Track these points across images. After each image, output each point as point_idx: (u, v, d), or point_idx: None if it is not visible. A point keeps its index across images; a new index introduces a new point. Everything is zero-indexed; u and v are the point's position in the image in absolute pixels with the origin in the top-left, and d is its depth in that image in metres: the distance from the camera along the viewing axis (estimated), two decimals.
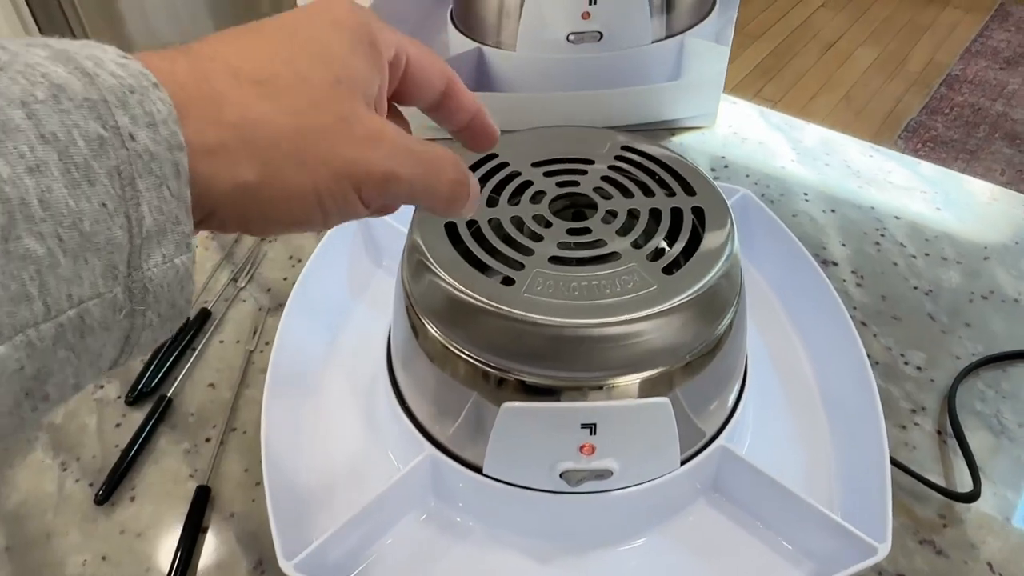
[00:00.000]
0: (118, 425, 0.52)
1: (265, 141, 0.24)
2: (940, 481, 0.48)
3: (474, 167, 0.45)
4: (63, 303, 0.19)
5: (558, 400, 0.39)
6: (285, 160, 0.24)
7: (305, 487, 0.46)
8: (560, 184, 0.44)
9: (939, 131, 2.37)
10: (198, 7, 1.85)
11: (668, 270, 0.39)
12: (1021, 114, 2.43)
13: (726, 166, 0.72)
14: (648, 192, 0.44)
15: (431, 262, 0.40)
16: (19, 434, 0.20)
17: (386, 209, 0.31)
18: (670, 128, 0.75)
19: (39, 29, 1.78)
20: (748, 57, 2.74)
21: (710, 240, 0.41)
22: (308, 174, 0.25)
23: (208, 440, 0.51)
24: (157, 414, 0.51)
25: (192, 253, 0.23)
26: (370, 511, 0.42)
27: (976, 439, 0.50)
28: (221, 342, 0.57)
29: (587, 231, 0.41)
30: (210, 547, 0.46)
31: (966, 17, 2.93)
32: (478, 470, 0.42)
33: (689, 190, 0.44)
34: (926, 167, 0.73)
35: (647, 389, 0.39)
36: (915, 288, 0.61)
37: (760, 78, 2.65)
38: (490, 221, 0.42)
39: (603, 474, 0.40)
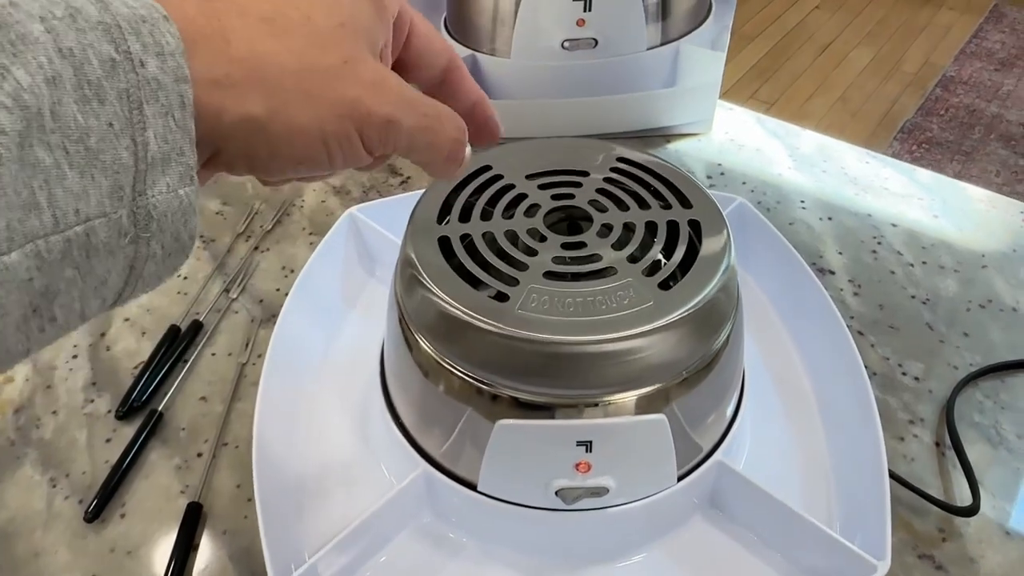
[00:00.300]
0: (108, 440, 0.51)
1: (272, 76, 0.25)
2: (939, 494, 0.48)
3: (468, 179, 0.45)
4: (71, 217, 0.20)
5: (553, 417, 0.38)
6: (291, 95, 0.25)
7: (298, 503, 0.46)
8: (555, 197, 0.44)
9: (934, 132, 2.37)
10: None
11: (664, 285, 0.39)
12: (1016, 115, 2.43)
13: (722, 173, 0.72)
14: (644, 204, 0.43)
15: (424, 276, 0.39)
16: (24, 356, 0.21)
17: (383, 159, 0.31)
18: (666, 135, 0.75)
19: None
20: (744, 59, 2.74)
21: (707, 253, 0.40)
22: (313, 111, 0.25)
23: (200, 455, 0.50)
24: (148, 429, 0.51)
25: (196, 187, 0.23)
26: (364, 528, 0.42)
27: (974, 451, 0.50)
28: (213, 354, 0.56)
29: (582, 245, 0.41)
30: (202, 565, 0.45)
31: (961, 18, 2.93)
32: (473, 487, 0.42)
33: (685, 202, 0.43)
34: (923, 174, 0.72)
35: (643, 406, 0.39)
36: (912, 297, 0.60)
37: (756, 79, 2.65)
38: (484, 235, 0.41)
39: (599, 491, 0.40)
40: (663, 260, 0.40)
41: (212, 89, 0.23)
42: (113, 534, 0.46)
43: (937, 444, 0.51)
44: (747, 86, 2.61)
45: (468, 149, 0.32)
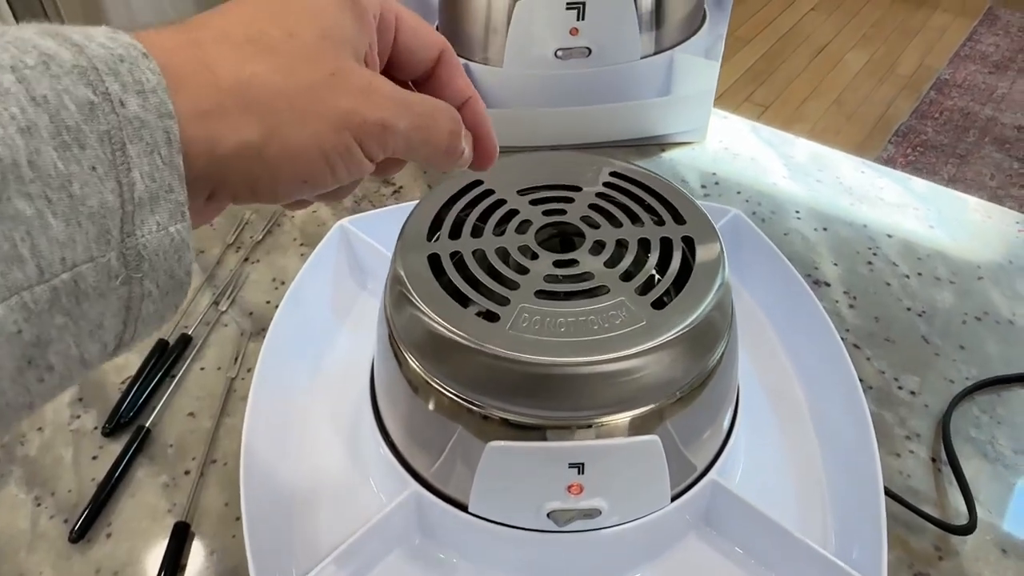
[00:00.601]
0: (95, 457, 0.50)
1: (263, 99, 0.24)
2: (935, 511, 0.47)
3: (458, 194, 0.44)
4: (56, 266, 0.20)
5: (545, 439, 0.37)
6: (284, 116, 0.25)
7: (286, 522, 0.45)
8: (547, 212, 0.43)
9: (929, 135, 2.37)
10: (185, 4, 1.83)
11: (658, 303, 0.38)
12: (1010, 118, 2.44)
13: (717, 183, 0.71)
14: (637, 221, 0.43)
15: (413, 295, 0.39)
16: (28, 410, 0.21)
17: (389, 166, 0.31)
18: (660, 144, 0.75)
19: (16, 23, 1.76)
20: (739, 61, 2.73)
21: (700, 271, 0.40)
22: (309, 128, 0.25)
23: (187, 472, 0.49)
24: (135, 446, 0.50)
25: (187, 223, 0.23)
26: (353, 550, 0.41)
27: (970, 466, 0.49)
28: (202, 369, 0.56)
29: (574, 263, 0.40)
30: None
31: (955, 21, 2.94)
32: (464, 508, 0.41)
33: (679, 218, 0.43)
34: (918, 183, 0.72)
35: (636, 426, 0.38)
36: (908, 309, 0.60)
37: (751, 82, 2.65)
38: (475, 252, 0.41)
39: (591, 513, 0.39)
40: (657, 278, 0.40)
41: (203, 121, 0.23)
42: (99, 554, 0.46)
43: (933, 460, 0.50)
44: (742, 89, 2.61)
45: (468, 137, 0.31)
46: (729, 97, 2.58)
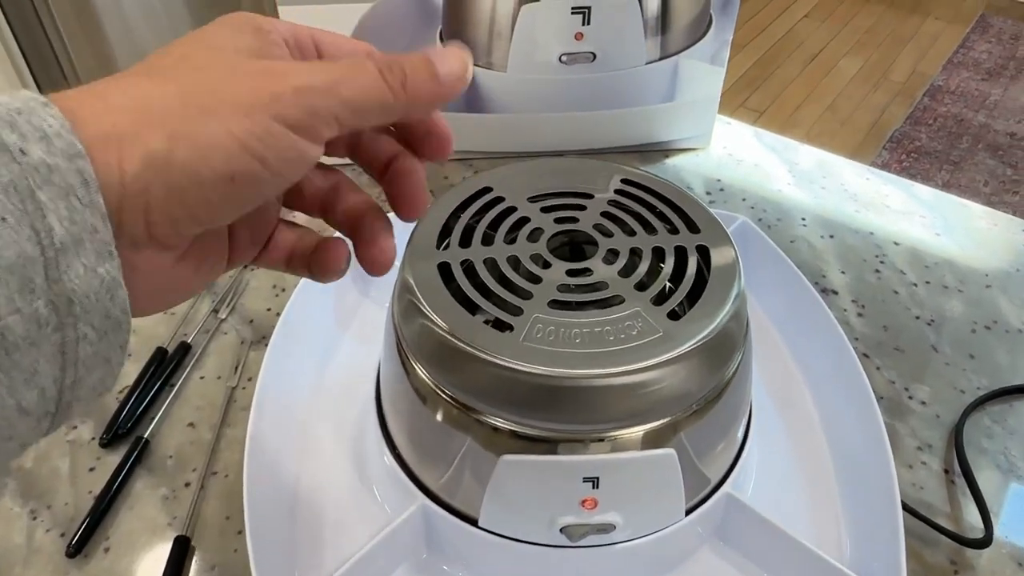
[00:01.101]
0: (92, 469, 0.49)
1: (157, 107, 0.23)
2: (949, 524, 0.47)
3: (468, 201, 0.43)
4: None
5: (558, 452, 0.37)
6: (184, 116, 0.23)
7: (290, 537, 0.44)
8: (558, 220, 0.42)
9: (923, 142, 2.38)
10: (176, 5, 1.82)
11: (674, 314, 0.37)
12: (1003, 125, 2.45)
13: (721, 189, 0.71)
14: (650, 229, 0.42)
15: (423, 304, 0.38)
16: None
17: (349, 146, 0.30)
18: (664, 150, 0.74)
19: (12, 32, 1.74)
20: (733, 68, 2.74)
21: (716, 280, 0.39)
22: (215, 121, 0.23)
23: (187, 485, 0.48)
24: (133, 457, 0.49)
25: (116, 261, 0.22)
26: (360, 565, 0.40)
27: (984, 478, 0.49)
28: (202, 378, 0.55)
29: (588, 272, 0.39)
30: None
31: (948, 28, 2.95)
32: (473, 522, 0.40)
33: (693, 227, 0.42)
34: (923, 190, 0.72)
35: (652, 440, 0.37)
36: (917, 318, 0.59)
37: (745, 88, 2.65)
38: (486, 260, 0.40)
39: (606, 528, 0.38)
40: (672, 288, 0.39)
41: (102, 144, 0.22)
42: (96, 570, 0.44)
43: (946, 471, 0.50)
44: (737, 95, 2.61)
45: (450, 63, 0.28)
46: (724, 103, 2.57)
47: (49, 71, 1.78)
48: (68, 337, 0.21)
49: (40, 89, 1.80)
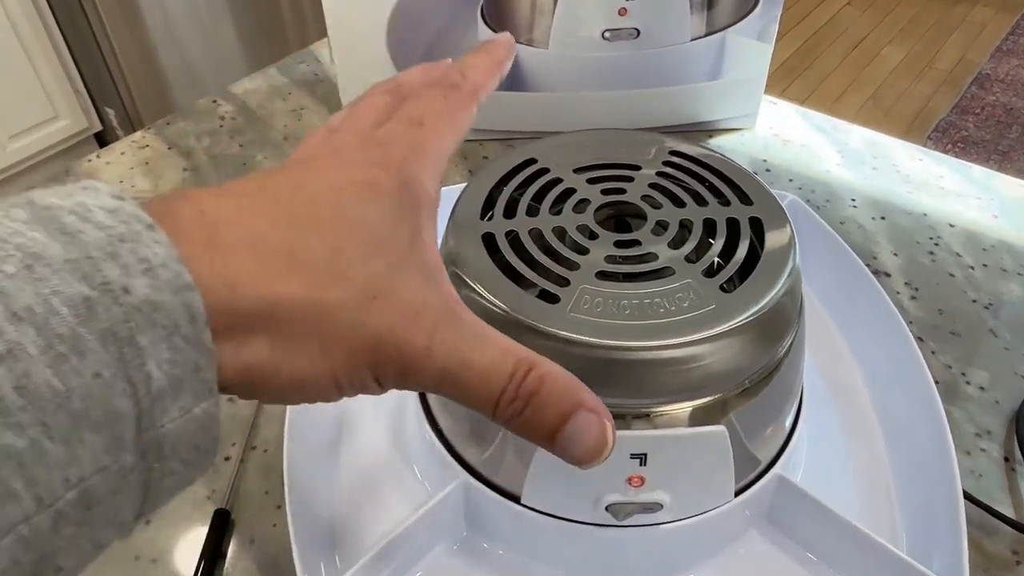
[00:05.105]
0: None
1: (282, 323, 0.21)
2: (1010, 512, 0.45)
3: (511, 172, 0.42)
4: (58, 489, 0.17)
5: None
6: (302, 344, 0.22)
7: (330, 512, 0.44)
8: (605, 192, 0.41)
9: (970, 131, 2.32)
10: (218, 2, 1.83)
11: (726, 287, 0.36)
12: None
13: (768, 170, 0.69)
14: (701, 201, 0.41)
15: (467, 275, 0.37)
16: None
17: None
18: (708, 130, 0.72)
19: (58, 26, 1.77)
20: (773, 56, 2.69)
21: (770, 254, 0.38)
22: (327, 359, 0.22)
23: (227, 459, 0.48)
24: None
25: (216, 398, 0.20)
26: (399, 542, 0.39)
27: None
28: None
29: (636, 243, 0.38)
30: (229, 575, 0.43)
31: (996, 16, 2.87)
32: (516, 499, 0.39)
33: (745, 199, 0.41)
34: (978, 172, 0.69)
35: (701, 416, 0.36)
36: (974, 301, 0.57)
37: (785, 77, 2.60)
38: (531, 231, 0.39)
39: (652, 507, 0.37)
40: (723, 261, 0.38)
41: (209, 281, 0.20)
42: (138, 541, 0.44)
43: (1006, 459, 0.48)
44: (776, 83, 2.57)
45: (588, 440, 0.25)
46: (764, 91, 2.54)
47: (92, 61, 1.81)
48: (153, 476, 0.19)
49: (84, 80, 1.84)
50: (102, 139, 1.98)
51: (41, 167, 1.88)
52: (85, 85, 1.88)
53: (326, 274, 0.22)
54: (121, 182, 0.69)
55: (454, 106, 0.29)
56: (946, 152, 2.21)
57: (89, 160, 0.72)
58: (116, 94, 1.85)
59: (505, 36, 0.34)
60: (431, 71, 0.32)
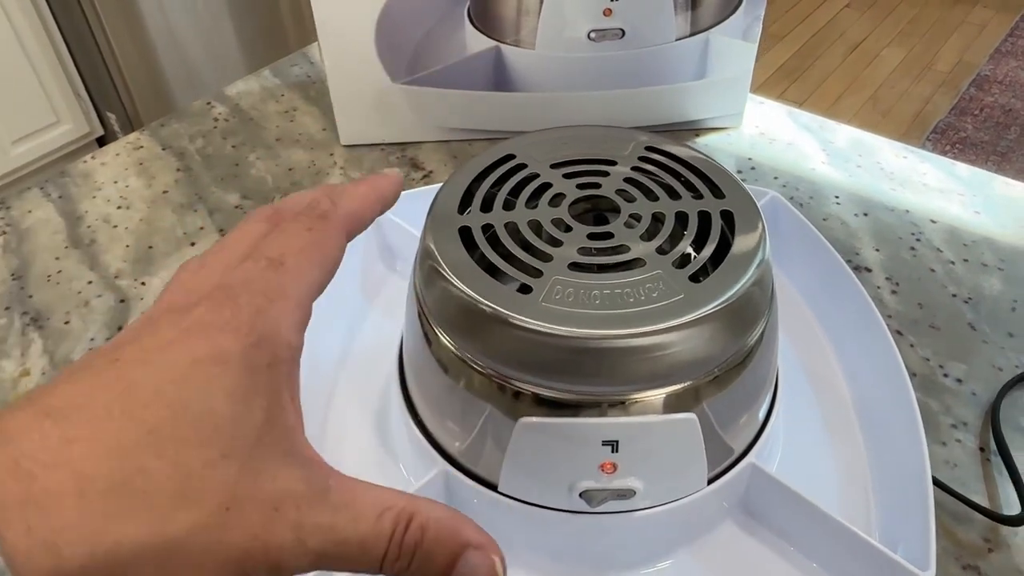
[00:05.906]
0: None
1: (125, 566, 0.19)
2: (983, 501, 0.45)
3: (490, 168, 0.43)
4: None
5: (578, 415, 0.36)
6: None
7: None
8: (581, 186, 0.42)
9: (968, 132, 2.32)
10: (218, 6, 1.85)
11: (695, 277, 0.37)
12: None
13: (753, 168, 0.70)
14: (674, 195, 0.41)
15: (444, 268, 0.38)
16: None
17: None
18: (695, 129, 0.73)
19: (60, 31, 1.79)
20: (772, 58, 2.70)
21: (740, 245, 0.38)
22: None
23: None
24: None
25: None
26: None
27: (1021, 458, 0.47)
28: None
29: (609, 236, 0.39)
30: None
31: (996, 17, 2.87)
32: (493, 487, 0.40)
33: (718, 193, 0.41)
34: (962, 168, 0.70)
35: (672, 404, 0.37)
36: (954, 296, 0.58)
37: (784, 79, 2.61)
38: (507, 225, 0.40)
39: (625, 494, 0.38)
40: (694, 252, 0.39)
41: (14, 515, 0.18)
42: None
43: (981, 449, 0.48)
44: (775, 85, 2.57)
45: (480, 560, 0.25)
46: (762, 94, 2.54)
47: (93, 66, 1.83)
48: None
49: (86, 85, 1.85)
50: (104, 144, 2.00)
51: (43, 172, 1.90)
52: (87, 90, 1.90)
53: (170, 499, 0.20)
54: (116, 182, 0.70)
55: (319, 239, 0.28)
56: (944, 153, 2.21)
57: (84, 161, 0.73)
58: (117, 98, 1.87)
59: (394, 172, 0.33)
60: (304, 198, 0.30)
